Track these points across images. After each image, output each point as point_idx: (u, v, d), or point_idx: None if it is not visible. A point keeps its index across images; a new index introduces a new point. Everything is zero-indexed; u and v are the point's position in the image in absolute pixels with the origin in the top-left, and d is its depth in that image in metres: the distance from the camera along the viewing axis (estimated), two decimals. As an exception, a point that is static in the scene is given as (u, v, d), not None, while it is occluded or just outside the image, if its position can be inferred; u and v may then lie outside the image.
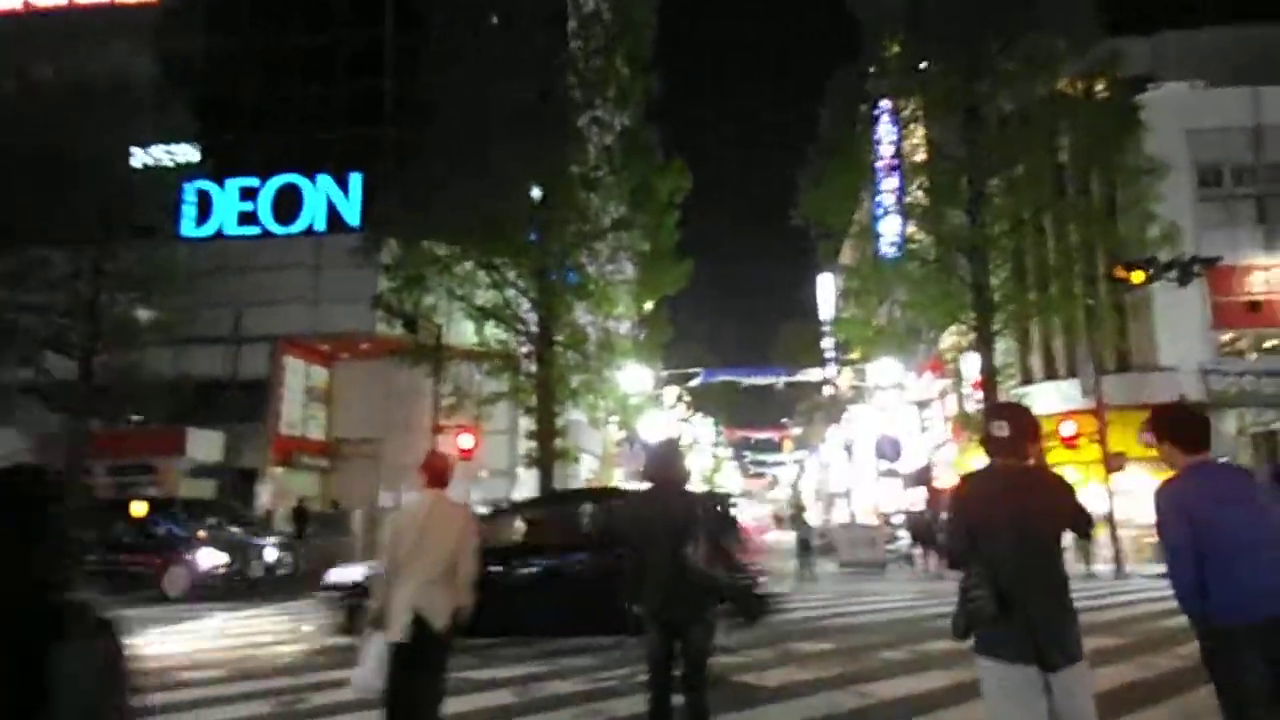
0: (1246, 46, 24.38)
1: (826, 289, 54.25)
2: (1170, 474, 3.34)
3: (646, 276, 22.07)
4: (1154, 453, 3.70)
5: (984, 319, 19.31)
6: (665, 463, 4.76)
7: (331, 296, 26.41)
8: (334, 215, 27.13)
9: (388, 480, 28.02)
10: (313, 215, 27.65)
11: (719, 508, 4.76)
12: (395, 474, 27.89)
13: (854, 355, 33.49)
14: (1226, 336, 23.28)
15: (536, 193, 21.38)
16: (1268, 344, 23.44)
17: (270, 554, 17.45)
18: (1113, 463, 17.97)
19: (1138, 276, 14.56)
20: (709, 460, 71.72)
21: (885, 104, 22.48)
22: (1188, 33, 24.85)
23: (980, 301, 19.26)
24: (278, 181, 27.88)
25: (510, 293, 21.99)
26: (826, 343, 47.71)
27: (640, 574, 4.46)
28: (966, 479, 3.51)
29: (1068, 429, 19.68)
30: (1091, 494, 16.46)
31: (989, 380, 19.12)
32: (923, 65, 19.86)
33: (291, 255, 26.71)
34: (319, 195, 27.65)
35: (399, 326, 21.68)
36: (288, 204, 27.73)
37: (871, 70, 20.81)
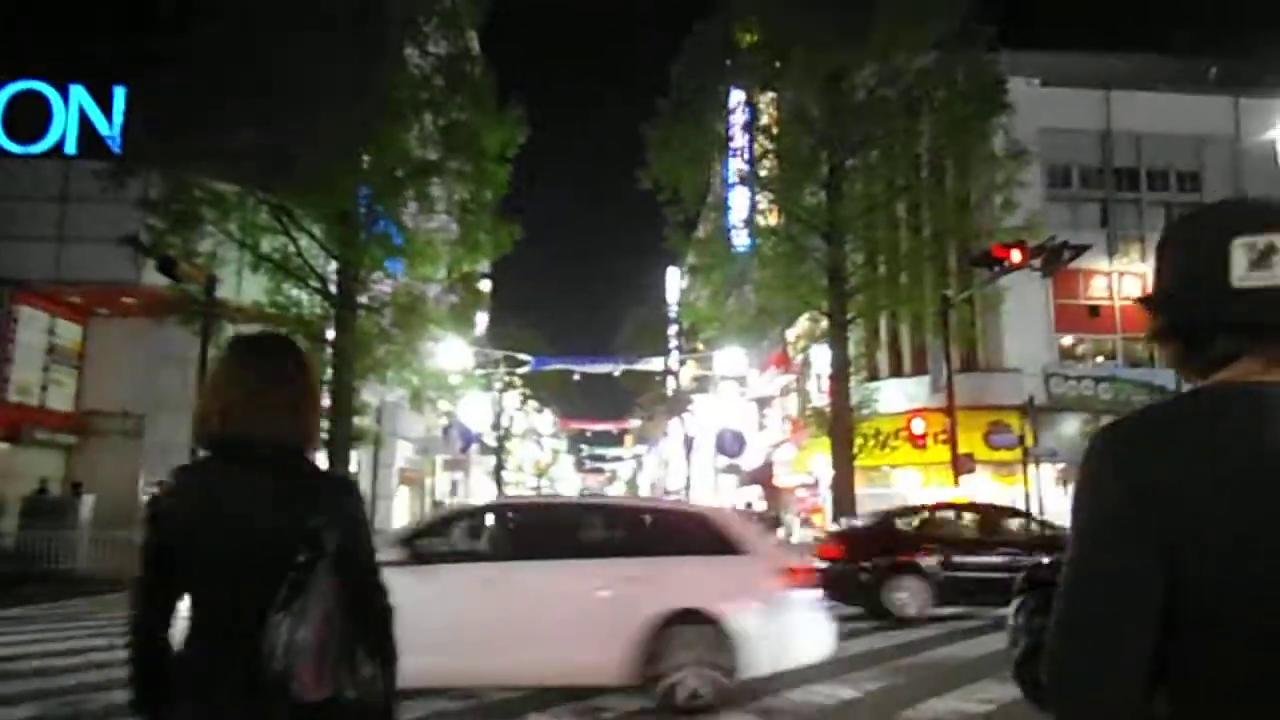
0: (1090, 68, 24.33)
1: (674, 279, 52.91)
2: None
3: (467, 236, 19.20)
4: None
5: (839, 306, 17.98)
6: (254, 395, 1.81)
7: (85, 236, 21.58)
8: (90, 136, 22.09)
9: (151, 463, 23.59)
10: (61, 133, 22.51)
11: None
12: (161, 455, 23.55)
13: (699, 344, 31.87)
14: (1067, 340, 23.08)
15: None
16: (1100, 353, 23.47)
17: None
18: (962, 464, 16.77)
19: (1017, 255, 13.27)
20: (545, 454, 69.02)
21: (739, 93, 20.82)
22: (1036, 53, 24.56)
23: (836, 287, 17.95)
24: (15, 88, 22.56)
25: (305, 242, 18.63)
26: (671, 330, 46.33)
27: (152, 658, 1.72)
28: (1167, 417, 1.00)
29: (918, 426, 18.51)
30: (940, 499, 15.12)
31: (842, 371, 17.68)
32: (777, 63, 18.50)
33: (32, 182, 21.61)
34: (70, 110, 22.53)
35: (156, 271, 17.66)
36: (29, 117, 22.45)
37: (727, 62, 19.33)
